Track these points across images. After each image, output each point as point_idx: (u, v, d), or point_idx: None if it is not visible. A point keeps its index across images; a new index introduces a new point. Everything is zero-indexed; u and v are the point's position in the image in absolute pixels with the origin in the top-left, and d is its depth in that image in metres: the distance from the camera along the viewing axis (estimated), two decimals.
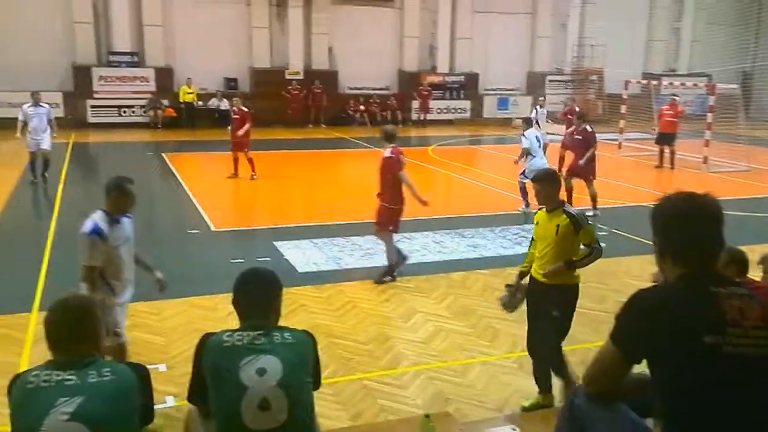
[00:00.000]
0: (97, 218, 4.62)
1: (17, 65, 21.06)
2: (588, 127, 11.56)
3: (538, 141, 11.64)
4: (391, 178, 7.56)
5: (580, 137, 11.50)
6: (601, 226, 10.40)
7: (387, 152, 7.63)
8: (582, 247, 4.87)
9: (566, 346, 6.10)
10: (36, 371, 2.43)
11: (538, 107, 17.30)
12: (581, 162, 11.22)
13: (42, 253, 8.51)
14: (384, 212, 7.71)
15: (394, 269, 7.77)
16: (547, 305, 4.85)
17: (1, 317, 6.47)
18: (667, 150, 16.59)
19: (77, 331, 2.49)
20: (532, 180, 5.21)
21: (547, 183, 4.94)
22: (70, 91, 21.85)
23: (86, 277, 4.58)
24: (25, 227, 10.15)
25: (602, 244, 4.94)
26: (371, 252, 8.96)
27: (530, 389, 5.33)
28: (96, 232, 4.53)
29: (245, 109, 14.20)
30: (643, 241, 9.08)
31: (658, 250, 2.25)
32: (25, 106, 12.99)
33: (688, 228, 2.16)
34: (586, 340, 6.21)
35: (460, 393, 5.24)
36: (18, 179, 13.50)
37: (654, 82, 22.10)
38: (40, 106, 13.01)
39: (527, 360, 5.83)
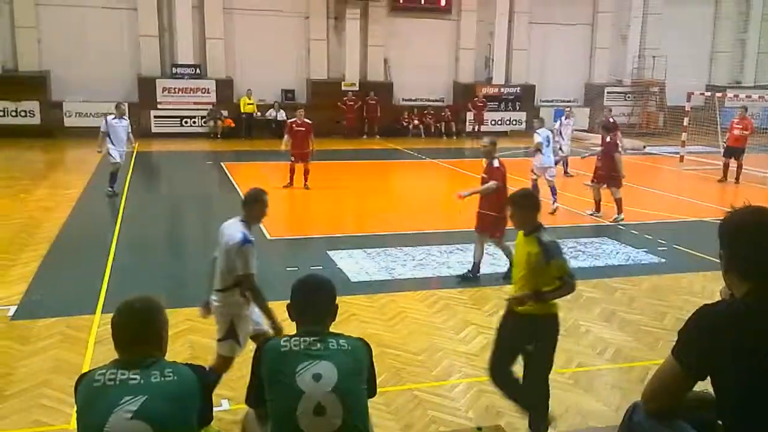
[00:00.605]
0: (240, 227, 4.69)
1: (86, 77, 22.03)
2: (608, 138, 12.01)
3: (548, 141, 12.43)
4: (502, 188, 7.83)
5: (602, 147, 12.12)
6: (661, 241, 10.14)
7: (497, 163, 7.98)
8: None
9: (623, 364, 5.99)
10: (102, 370, 2.52)
11: (563, 118, 16.80)
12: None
13: (106, 258, 8.83)
14: (496, 222, 7.89)
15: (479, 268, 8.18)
16: (519, 336, 4.50)
17: (66, 319, 6.72)
18: (734, 164, 16.05)
19: (143, 332, 2.57)
20: (506, 201, 4.95)
21: (520, 205, 4.56)
22: (134, 102, 22.65)
23: (251, 285, 4.63)
24: (90, 232, 10.54)
25: (574, 279, 4.44)
26: (423, 263, 8.97)
27: (584, 405, 5.23)
28: (250, 240, 4.64)
29: (308, 121, 14.42)
30: (705, 257, 8.80)
31: (724, 265, 2.20)
32: (109, 118, 12.94)
33: (756, 243, 2.10)
34: (644, 358, 6.07)
35: (512, 407, 5.16)
36: (85, 185, 14.06)
37: (718, 95, 21.44)
38: (123, 118, 13.10)
39: (582, 375, 5.74)
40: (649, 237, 10.42)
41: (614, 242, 10.24)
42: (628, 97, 28.16)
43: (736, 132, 16.09)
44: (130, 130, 13.26)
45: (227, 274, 4.69)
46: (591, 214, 12.04)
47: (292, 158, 14.16)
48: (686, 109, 19.72)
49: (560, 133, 16.06)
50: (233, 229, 4.70)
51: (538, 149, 12.17)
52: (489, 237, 8.12)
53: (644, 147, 22.71)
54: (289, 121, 15.25)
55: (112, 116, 12.87)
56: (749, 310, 2.07)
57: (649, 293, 7.95)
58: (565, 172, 15.99)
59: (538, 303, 4.35)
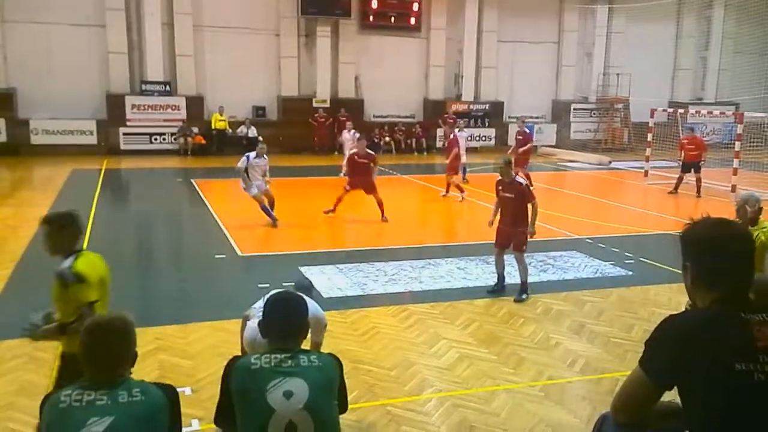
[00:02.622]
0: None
1: (53, 95, 21.72)
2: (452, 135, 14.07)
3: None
4: (525, 204, 8.03)
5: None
6: (628, 254, 10.32)
7: (521, 180, 8.24)
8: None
9: (593, 375, 6.07)
10: (67, 391, 2.48)
11: (456, 130, 17.70)
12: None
13: None
14: (521, 236, 8.11)
15: (527, 286, 8.23)
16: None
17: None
18: (693, 178, 16.46)
19: (118, 353, 2.54)
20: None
21: (53, 226, 3.91)
22: (103, 119, 22.41)
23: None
24: None
25: (91, 314, 3.52)
26: (395, 278, 8.99)
27: (556, 418, 5.28)
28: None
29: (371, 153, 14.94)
30: (670, 269, 8.98)
31: (689, 276, 2.25)
32: (251, 155, 12.12)
33: (719, 254, 2.15)
34: (613, 369, 6.16)
35: (485, 421, 5.20)
36: (52, 203, 13.81)
37: (680, 111, 21.97)
38: (263, 156, 12.27)
39: (553, 388, 5.80)
40: (616, 250, 10.60)
41: (583, 255, 10.39)
42: (594, 113, 28.70)
43: (689, 151, 16.56)
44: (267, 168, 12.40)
45: None
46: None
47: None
48: (650, 125, 20.17)
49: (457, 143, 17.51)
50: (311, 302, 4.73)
51: None
52: (515, 250, 8.21)
53: (610, 162, 23.15)
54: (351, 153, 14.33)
55: (254, 154, 12.11)
56: (714, 319, 2.12)
57: (617, 305, 8.07)
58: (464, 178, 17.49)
59: (63, 337, 3.67)
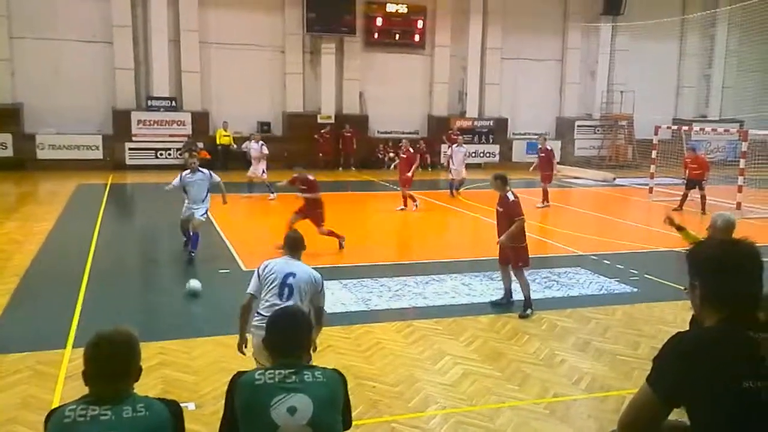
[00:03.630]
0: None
1: (60, 110, 21.89)
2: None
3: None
4: (515, 218, 8.10)
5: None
6: (633, 271, 10.28)
7: (511, 195, 8.20)
8: None
9: (599, 393, 6.03)
10: (72, 406, 2.46)
11: (454, 146, 18.73)
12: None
13: (77, 291, 8.68)
14: (517, 252, 8.18)
15: (531, 301, 8.19)
16: None
17: (36, 354, 6.58)
18: (697, 195, 16.46)
19: (123, 368, 2.51)
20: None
21: None
22: (109, 134, 22.53)
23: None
24: (61, 265, 10.36)
25: None
26: (400, 294, 8.98)
27: None
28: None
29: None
30: (676, 286, 8.93)
31: (697, 295, 2.24)
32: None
33: (727, 273, 2.16)
34: (619, 387, 6.12)
35: None
36: (57, 217, 13.86)
37: (684, 128, 21.99)
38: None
39: (559, 406, 5.76)
40: (621, 267, 10.56)
41: (587, 272, 10.36)
42: (598, 130, 28.77)
43: (692, 170, 16.62)
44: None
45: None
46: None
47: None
48: (654, 142, 20.19)
49: (451, 158, 18.41)
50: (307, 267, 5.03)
51: None
52: (512, 267, 8.28)
53: (614, 179, 23.16)
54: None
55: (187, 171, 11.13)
56: (722, 337, 2.11)
57: (622, 322, 8.03)
58: (451, 192, 18.46)
59: None
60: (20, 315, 7.88)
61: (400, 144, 19.37)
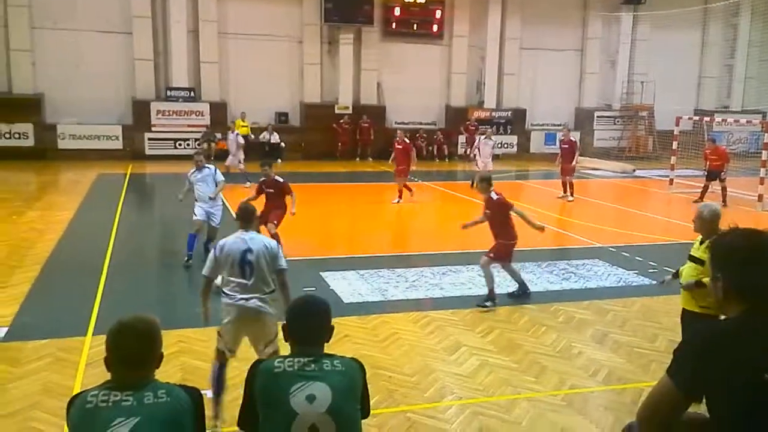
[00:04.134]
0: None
1: (80, 100, 22.09)
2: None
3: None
4: (506, 217, 8.17)
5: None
6: (652, 263, 10.19)
7: (494, 195, 8.22)
8: None
9: (616, 385, 6.00)
10: (94, 391, 2.49)
11: (482, 137, 18.02)
12: None
13: (98, 279, 8.79)
14: (504, 248, 8.26)
15: (494, 295, 8.15)
16: None
17: (57, 341, 6.68)
18: (718, 187, 16.26)
19: (144, 354, 2.54)
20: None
21: None
22: (129, 124, 22.72)
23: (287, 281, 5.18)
24: (82, 254, 10.48)
25: None
26: (416, 284, 8.99)
27: (578, 428, 5.23)
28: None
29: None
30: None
31: (720, 288, 2.22)
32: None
33: (750, 264, 2.13)
34: (636, 379, 6.09)
35: (506, 429, 5.16)
36: (77, 206, 14.03)
37: (706, 119, 21.69)
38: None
39: (576, 397, 5.75)
40: (640, 259, 10.48)
41: (605, 264, 10.29)
42: (618, 121, 28.48)
43: (712, 162, 16.42)
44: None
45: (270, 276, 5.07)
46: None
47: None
48: (675, 133, 19.94)
49: (478, 150, 17.78)
50: (261, 237, 5.21)
51: None
52: (488, 256, 8.29)
53: (634, 170, 22.94)
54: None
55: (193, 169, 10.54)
56: (744, 328, 2.09)
57: (640, 315, 7.98)
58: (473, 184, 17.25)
59: None
60: (42, 302, 8.00)
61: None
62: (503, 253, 8.32)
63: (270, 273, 5.04)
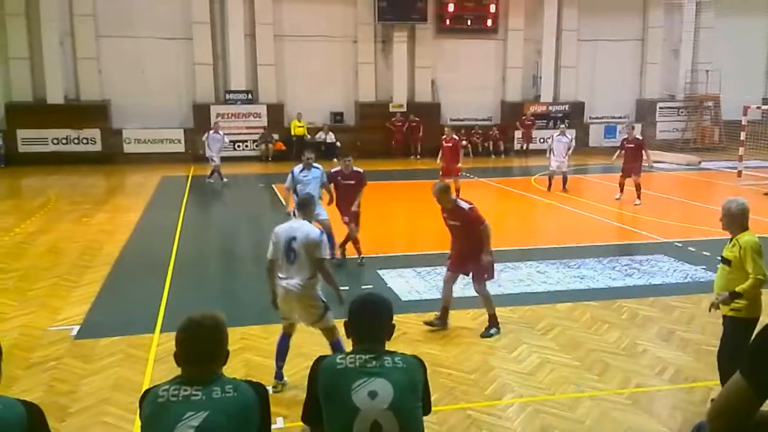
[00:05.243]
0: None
1: (144, 105, 22.86)
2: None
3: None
4: (479, 230, 6.95)
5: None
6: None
7: (466, 205, 7.00)
8: None
9: (684, 384, 5.83)
10: (165, 386, 2.58)
11: (556, 134, 17.04)
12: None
13: (164, 278, 9.08)
14: (484, 265, 7.05)
15: (497, 319, 7.20)
16: None
17: (127, 338, 6.94)
18: None
19: (212, 349, 2.62)
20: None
21: None
22: (190, 127, 23.36)
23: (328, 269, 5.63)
24: (148, 254, 10.84)
25: None
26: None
27: (645, 428, 5.10)
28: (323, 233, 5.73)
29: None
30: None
31: None
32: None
33: None
34: (705, 378, 5.90)
35: (569, 428, 5.08)
36: (143, 208, 14.52)
37: None
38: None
39: (642, 396, 5.61)
40: (707, 254, 10.11)
41: (671, 259, 9.98)
42: (681, 112, 27.55)
43: None
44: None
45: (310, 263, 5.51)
46: None
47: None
48: (743, 123, 19.16)
49: (551, 150, 16.58)
50: (307, 227, 5.60)
51: None
52: (476, 281, 7.17)
53: (699, 162, 22.14)
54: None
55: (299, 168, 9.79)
56: None
57: (709, 312, 7.69)
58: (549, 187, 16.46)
59: None
60: (112, 301, 8.32)
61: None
62: (487, 268, 7.08)
63: (310, 260, 5.47)
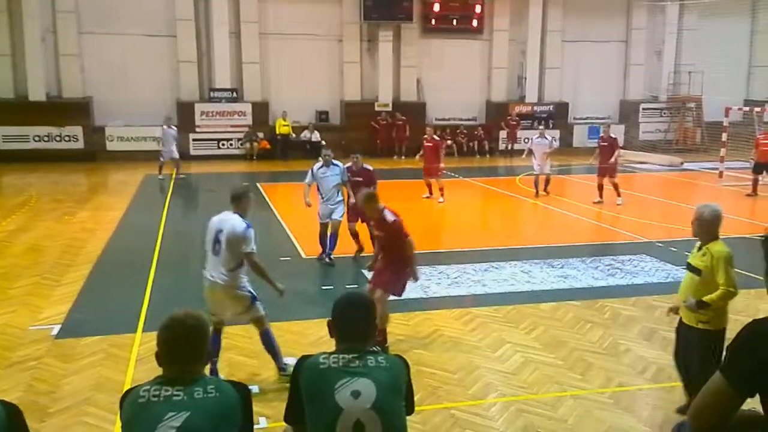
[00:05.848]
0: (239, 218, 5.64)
1: (127, 103, 22.64)
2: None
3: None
4: (402, 240, 6.53)
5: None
6: None
7: (390, 215, 6.56)
8: None
9: (666, 384, 5.88)
10: (146, 386, 2.55)
11: (535, 137, 16.75)
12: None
13: (147, 278, 9.01)
14: (399, 277, 6.65)
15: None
16: None
17: (108, 337, 6.87)
18: (766, 178, 15.76)
19: (195, 349, 2.59)
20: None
21: None
22: (174, 125, 23.14)
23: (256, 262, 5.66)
24: (131, 253, 10.74)
25: None
26: (458, 281, 8.95)
27: (627, 427, 5.14)
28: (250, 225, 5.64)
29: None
30: (747, 274, 8.58)
31: None
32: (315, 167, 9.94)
33: None
34: None
35: (552, 427, 5.11)
36: (126, 207, 14.39)
37: (757, 109, 21.01)
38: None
39: (624, 396, 5.65)
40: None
41: (653, 259, 10.07)
42: (664, 113, 27.80)
43: (763, 148, 15.81)
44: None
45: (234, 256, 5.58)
46: None
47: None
48: (724, 125, 19.37)
49: (531, 151, 16.30)
50: (233, 220, 5.63)
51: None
52: (382, 290, 6.63)
53: (681, 163, 22.36)
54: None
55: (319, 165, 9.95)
56: None
57: (666, 316, 7.76)
58: (536, 192, 15.83)
59: None
60: (93, 300, 8.24)
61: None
62: (402, 284, 6.69)
63: (235, 253, 5.55)
